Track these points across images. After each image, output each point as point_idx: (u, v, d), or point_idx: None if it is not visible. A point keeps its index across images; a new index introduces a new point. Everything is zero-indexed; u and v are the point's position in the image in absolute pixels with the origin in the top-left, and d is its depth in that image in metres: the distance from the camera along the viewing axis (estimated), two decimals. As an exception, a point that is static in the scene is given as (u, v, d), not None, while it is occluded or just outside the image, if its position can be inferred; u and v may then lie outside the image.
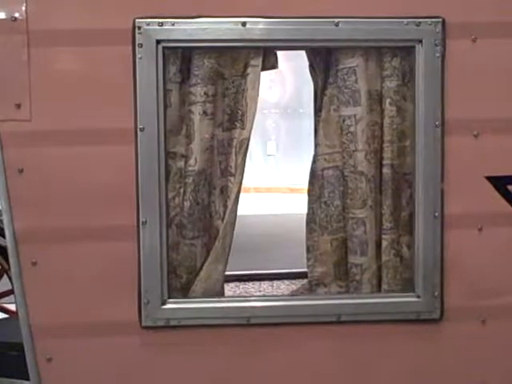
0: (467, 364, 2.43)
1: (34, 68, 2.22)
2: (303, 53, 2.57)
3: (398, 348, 2.42)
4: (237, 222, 2.47)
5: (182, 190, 2.43)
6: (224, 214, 2.46)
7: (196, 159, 2.39)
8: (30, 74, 2.21)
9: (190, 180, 2.41)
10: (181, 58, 2.36)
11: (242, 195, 2.49)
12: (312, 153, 2.60)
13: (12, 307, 4.14)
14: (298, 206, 4.85)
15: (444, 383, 2.44)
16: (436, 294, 2.37)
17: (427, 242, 2.36)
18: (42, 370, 2.33)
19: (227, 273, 2.55)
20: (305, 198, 2.63)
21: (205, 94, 2.36)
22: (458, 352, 2.43)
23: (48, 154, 2.27)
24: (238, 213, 2.49)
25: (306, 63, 2.62)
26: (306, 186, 2.68)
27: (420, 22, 2.28)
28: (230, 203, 2.45)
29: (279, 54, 2.51)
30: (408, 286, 2.45)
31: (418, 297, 2.39)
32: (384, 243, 2.49)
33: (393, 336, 2.41)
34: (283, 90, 10.99)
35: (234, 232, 2.47)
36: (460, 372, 2.43)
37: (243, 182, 2.50)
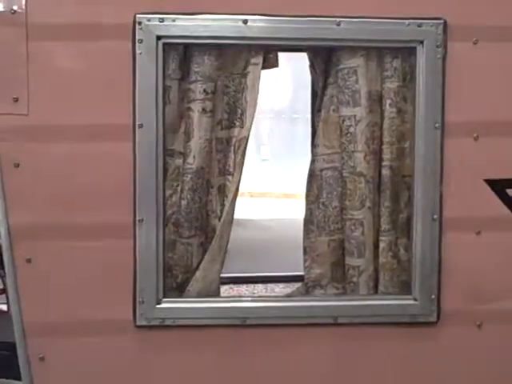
0: (463, 367, 2.42)
1: (32, 62, 2.19)
2: (298, 58, 2.56)
3: (395, 350, 2.40)
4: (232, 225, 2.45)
5: (179, 189, 2.40)
6: (221, 213, 2.43)
7: (194, 157, 2.37)
8: (28, 68, 2.19)
9: (187, 178, 2.39)
10: (181, 54, 2.34)
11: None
12: (306, 158, 2.58)
13: (2, 307, 4.08)
14: (292, 211, 4.83)
15: (440, 386, 2.43)
16: (433, 297, 2.36)
17: (425, 245, 2.35)
18: (34, 369, 2.29)
19: (221, 275, 2.53)
20: (298, 203, 2.60)
21: (204, 91, 2.34)
22: (453, 355, 2.41)
23: (45, 149, 2.24)
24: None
25: (301, 68, 2.60)
26: (300, 191, 2.65)
27: (422, 24, 2.27)
28: (227, 202, 2.42)
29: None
30: (405, 288, 2.44)
31: (415, 299, 2.38)
32: (381, 245, 2.47)
33: (389, 338, 2.39)
34: (278, 95, 10.97)
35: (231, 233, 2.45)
36: (456, 375, 2.42)
37: (241, 181, 2.48)
